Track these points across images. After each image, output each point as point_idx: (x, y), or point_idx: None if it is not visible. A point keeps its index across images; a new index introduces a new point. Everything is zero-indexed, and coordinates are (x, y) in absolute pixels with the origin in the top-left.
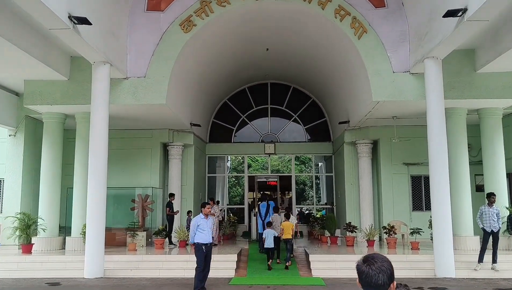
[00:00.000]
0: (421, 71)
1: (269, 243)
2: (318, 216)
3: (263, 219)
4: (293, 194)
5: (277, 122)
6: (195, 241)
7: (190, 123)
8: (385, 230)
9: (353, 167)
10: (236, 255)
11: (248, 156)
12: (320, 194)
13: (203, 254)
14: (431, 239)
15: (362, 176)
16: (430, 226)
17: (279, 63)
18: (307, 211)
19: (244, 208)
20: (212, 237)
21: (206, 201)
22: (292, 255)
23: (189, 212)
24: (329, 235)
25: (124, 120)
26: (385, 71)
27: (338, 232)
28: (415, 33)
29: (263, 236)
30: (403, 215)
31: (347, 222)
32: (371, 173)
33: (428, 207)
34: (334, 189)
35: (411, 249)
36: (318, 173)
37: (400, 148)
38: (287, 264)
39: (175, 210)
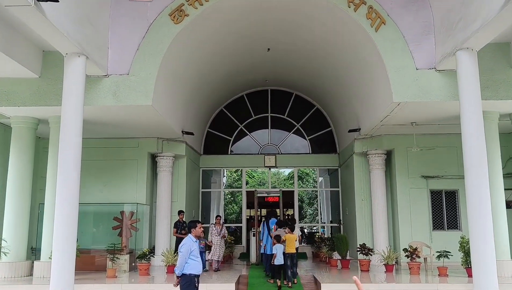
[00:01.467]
0: (449, 68)
1: (280, 260)
2: (319, 235)
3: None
4: (295, 211)
5: (278, 133)
6: (187, 273)
7: (182, 131)
8: (406, 253)
9: (364, 181)
10: (234, 284)
11: (246, 170)
12: (320, 211)
13: None
14: (463, 264)
15: (374, 190)
16: (461, 248)
17: (281, 66)
18: (308, 230)
19: (241, 226)
20: (218, 261)
21: (198, 219)
22: (296, 272)
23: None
24: (340, 258)
25: (105, 126)
26: (407, 68)
27: (347, 254)
28: (443, 23)
29: (273, 252)
30: (422, 235)
31: (360, 243)
32: (384, 187)
33: (451, 226)
34: (341, 206)
35: (439, 275)
36: (323, 187)
37: (418, 159)
38: (294, 282)
39: (184, 232)
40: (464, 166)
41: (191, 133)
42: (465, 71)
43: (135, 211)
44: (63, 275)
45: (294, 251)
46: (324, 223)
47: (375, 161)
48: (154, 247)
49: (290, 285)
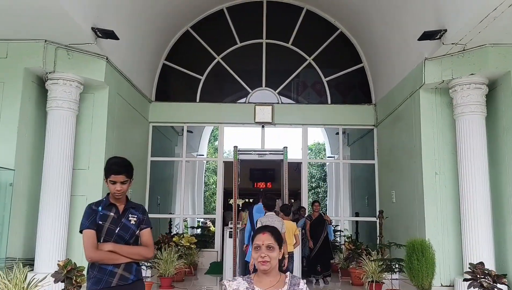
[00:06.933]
0: None
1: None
2: (347, 237)
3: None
4: (303, 193)
5: (278, 70)
6: None
7: (94, 29)
8: None
9: (441, 138)
10: None
11: (226, 127)
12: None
13: None
14: None
15: (466, 155)
16: None
17: None
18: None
19: (215, 219)
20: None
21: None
22: None
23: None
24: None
25: None
26: None
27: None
28: None
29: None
30: None
31: (473, 263)
32: (486, 149)
33: None
34: (377, 188)
35: None
36: (346, 159)
37: None
38: None
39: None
40: None
41: (112, 35)
42: None
43: None
44: None
45: (292, 249)
46: (350, 217)
47: (469, 99)
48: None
49: None
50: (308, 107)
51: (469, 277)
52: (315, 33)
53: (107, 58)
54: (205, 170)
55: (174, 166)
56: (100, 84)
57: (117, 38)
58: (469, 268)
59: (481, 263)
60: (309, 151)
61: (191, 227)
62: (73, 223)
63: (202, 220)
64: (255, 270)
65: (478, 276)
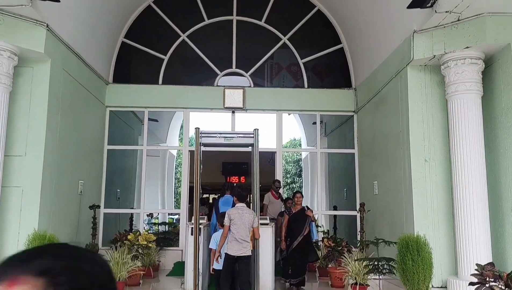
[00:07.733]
0: None
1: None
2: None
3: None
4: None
5: (250, 51)
6: None
7: None
8: None
9: (430, 121)
10: None
11: (192, 112)
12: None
13: None
14: None
15: (460, 139)
16: None
17: None
18: None
19: (179, 215)
20: None
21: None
22: None
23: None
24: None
25: None
26: None
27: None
28: None
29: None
30: None
31: (481, 264)
32: (482, 133)
33: None
34: (357, 179)
35: None
36: (324, 149)
37: None
38: None
39: None
40: None
41: None
42: None
43: None
44: None
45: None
46: (328, 211)
47: (464, 76)
48: None
49: None
50: (282, 91)
51: (477, 280)
52: (290, 10)
53: (47, 26)
54: (176, 165)
55: (138, 157)
56: (39, 56)
57: (57, 0)
58: (475, 269)
59: (491, 264)
60: (284, 148)
61: (153, 223)
62: (5, 220)
63: (176, 216)
64: None
65: (488, 279)
